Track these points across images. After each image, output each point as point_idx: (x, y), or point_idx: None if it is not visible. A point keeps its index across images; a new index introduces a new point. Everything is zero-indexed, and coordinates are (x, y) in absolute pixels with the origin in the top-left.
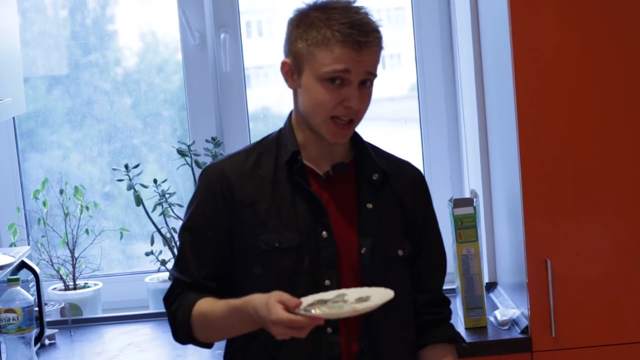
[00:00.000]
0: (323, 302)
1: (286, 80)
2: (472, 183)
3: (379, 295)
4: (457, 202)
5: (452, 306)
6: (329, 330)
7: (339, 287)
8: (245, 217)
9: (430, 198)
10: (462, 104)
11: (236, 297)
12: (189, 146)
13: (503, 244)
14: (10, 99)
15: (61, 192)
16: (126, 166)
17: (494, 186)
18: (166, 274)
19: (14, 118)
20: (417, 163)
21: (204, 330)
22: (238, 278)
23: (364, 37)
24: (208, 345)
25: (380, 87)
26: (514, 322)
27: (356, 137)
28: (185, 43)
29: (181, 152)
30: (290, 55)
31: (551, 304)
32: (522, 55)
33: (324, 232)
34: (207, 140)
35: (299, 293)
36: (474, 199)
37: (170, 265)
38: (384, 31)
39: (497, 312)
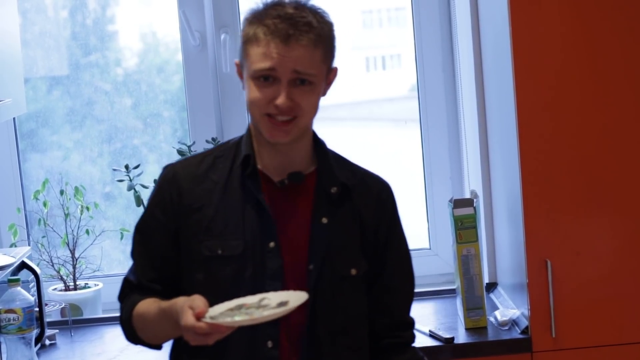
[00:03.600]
0: (242, 307)
1: (241, 81)
2: (472, 183)
3: (295, 300)
4: (457, 203)
5: (452, 306)
6: (270, 344)
7: None
8: (191, 222)
9: (397, 215)
10: (462, 104)
11: None
12: (189, 147)
13: (503, 245)
14: (10, 100)
15: (61, 192)
16: (126, 167)
17: (494, 186)
18: None
19: (14, 118)
20: (417, 163)
21: (145, 332)
22: (183, 283)
23: (293, 30)
24: (156, 346)
25: (380, 87)
26: (514, 323)
27: (320, 147)
28: (186, 43)
29: (181, 153)
30: (239, 54)
31: (551, 305)
32: (522, 56)
33: (272, 243)
34: (207, 141)
35: None
36: (474, 200)
37: None
38: (384, 31)
39: (497, 313)
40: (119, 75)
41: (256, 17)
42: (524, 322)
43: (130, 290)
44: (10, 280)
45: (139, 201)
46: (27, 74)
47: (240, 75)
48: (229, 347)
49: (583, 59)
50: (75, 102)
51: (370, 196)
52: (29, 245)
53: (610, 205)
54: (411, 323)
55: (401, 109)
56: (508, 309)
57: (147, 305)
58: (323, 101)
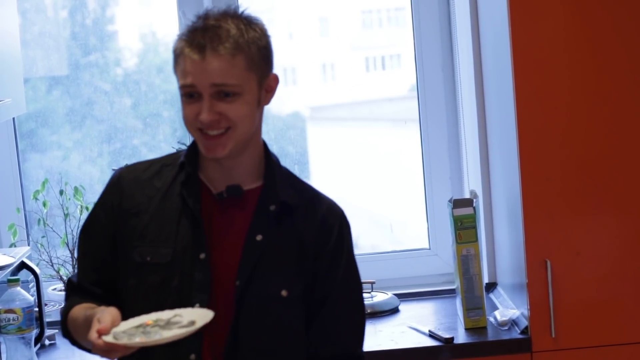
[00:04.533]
0: (148, 325)
1: None
2: (471, 183)
3: (202, 319)
4: (457, 203)
5: (451, 306)
6: (192, 357)
7: None
8: (128, 227)
9: (345, 244)
10: (461, 104)
11: (122, 307)
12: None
13: (503, 245)
14: (10, 100)
15: (61, 192)
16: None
17: (493, 186)
18: None
19: (14, 118)
20: (417, 163)
21: (77, 336)
22: (120, 288)
23: (209, 41)
24: (90, 350)
25: (380, 87)
26: (513, 323)
27: (270, 164)
28: None
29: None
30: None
31: (551, 305)
32: (521, 56)
33: (202, 254)
34: None
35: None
36: (474, 200)
37: None
38: (384, 32)
39: (496, 313)
40: (119, 75)
41: (183, 32)
42: (524, 322)
43: (72, 292)
44: (9, 280)
45: None
46: (26, 74)
47: None
48: (152, 357)
49: (583, 59)
50: (74, 102)
51: (315, 219)
52: (28, 245)
53: (610, 205)
54: (359, 356)
55: (401, 109)
56: (508, 309)
57: (79, 311)
58: (323, 101)
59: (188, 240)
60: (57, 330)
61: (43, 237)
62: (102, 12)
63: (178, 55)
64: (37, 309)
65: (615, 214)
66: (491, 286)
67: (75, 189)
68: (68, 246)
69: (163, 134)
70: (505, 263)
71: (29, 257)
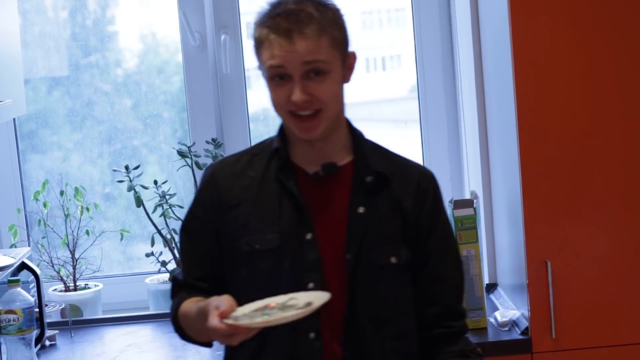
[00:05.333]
0: (266, 308)
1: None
2: (472, 184)
3: (319, 300)
4: (457, 204)
5: None
6: (312, 335)
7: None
8: (230, 219)
9: (440, 202)
10: (462, 105)
11: (235, 299)
12: (189, 147)
13: (503, 245)
14: (10, 100)
15: (61, 193)
16: (126, 167)
17: (494, 187)
18: (167, 275)
19: (14, 119)
20: None
21: (190, 331)
22: (229, 280)
23: (294, 24)
24: (207, 344)
25: (380, 88)
26: (514, 323)
27: (357, 138)
28: (186, 44)
29: (181, 154)
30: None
31: (551, 305)
32: (522, 57)
33: (308, 235)
34: (207, 142)
35: (280, 295)
36: (474, 200)
37: (170, 266)
38: (384, 32)
39: (497, 313)
40: (119, 76)
41: (261, 19)
42: (524, 323)
43: (179, 289)
44: (10, 281)
45: (139, 202)
46: (27, 74)
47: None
48: (271, 339)
49: (583, 59)
50: (75, 102)
51: (410, 184)
52: (29, 246)
53: (611, 206)
54: (462, 312)
55: (401, 110)
56: (508, 309)
57: (189, 305)
58: None
59: (293, 222)
60: (57, 331)
61: (43, 237)
62: (102, 12)
63: (262, 41)
64: (37, 310)
65: (616, 215)
66: (491, 287)
67: (76, 189)
68: (68, 247)
69: (163, 135)
70: (506, 264)
71: (30, 258)
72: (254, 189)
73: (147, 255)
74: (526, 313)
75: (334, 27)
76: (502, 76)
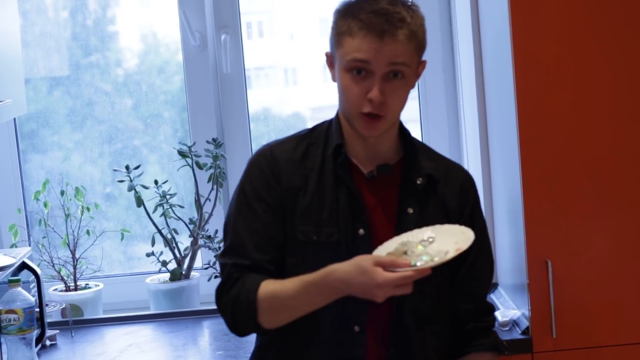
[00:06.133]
0: (399, 254)
1: (330, 73)
2: None
3: (444, 232)
4: None
5: None
6: (357, 328)
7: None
8: (287, 206)
9: (479, 204)
10: (462, 104)
11: None
12: (189, 147)
13: (504, 245)
14: (11, 100)
15: (62, 193)
16: (127, 167)
17: (494, 187)
18: (167, 275)
19: (15, 119)
20: None
21: (272, 311)
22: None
23: (388, 25)
24: (269, 331)
25: None
26: (514, 323)
27: (406, 137)
28: (186, 44)
29: (182, 153)
30: (330, 46)
31: (552, 305)
32: (522, 56)
33: (361, 230)
34: (207, 142)
35: None
36: None
37: (171, 266)
38: None
39: (497, 313)
40: (120, 76)
41: (350, 11)
42: (525, 323)
43: (241, 274)
44: (10, 281)
45: (139, 202)
46: (27, 74)
47: (331, 66)
48: (318, 331)
49: (583, 59)
50: (75, 102)
51: (454, 186)
52: (29, 245)
53: (611, 205)
54: (492, 308)
55: None
56: (509, 309)
57: (279, 284)
58: (323, 102)
59: (348, 217)
60: (57, 331)
61: (44, 237)
62: (102, 12)
63: (350, 33)
64: (38, 310)
65: (617, 214)
66: (492, 287)
67: (76, 189)
68: (69, 246)
69: (164, 135)
70: (506, 263)
71: (30, 258)
72: (312, 181)
73: (148, 255)
74: (527, 313)
75: (420, 35)
76: (502, 76)
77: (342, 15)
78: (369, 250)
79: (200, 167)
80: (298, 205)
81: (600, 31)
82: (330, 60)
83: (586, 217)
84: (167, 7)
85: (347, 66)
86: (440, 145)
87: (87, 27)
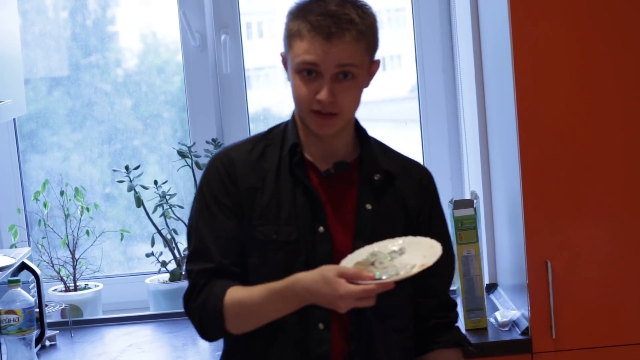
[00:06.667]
0: (367, 264)
1: (285, 72)
2: (472, 184)
3: (414, 244)
4: (458, 204)
5: None
6: (321, 326)
7: None
8: (246, 207)
9: (438, 200)
10: (462, 105)
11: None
12: (189, 147)
13: (503, 246)
14: (10, 100)
15: (62, 193)
16: (127, 167)
17: (494, 187)
18: (167, 276)
19: (14, 119)
20: None
21: (239, 318)
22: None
23: (335, 28)
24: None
25: (380, 88)
26: (514, 324)
27: (362, 135)
28: (186, 44)
29: (182, 154)
30: (283, 46)
31: (551, 306)
32: (522, 56)
33: (321, 227)
34: (207, 142)
35: None
36: (474, 200)
37: (170, 266)
38: (384, 32)
39: (497, 314)
40: (119, 76)
41: (300, 12)
42: (524, 323)
43: (208, 280)
44: (10, 281)
45: (139, 202)
46: (27, 74)
47: (285, 65)
48: (284, 330)
49: (584, 60)
50: (75, 102)
51: (412, 182)
52: (29, 246)
53: (611, 206)
54: (454, 304)
55: (401, 110)
56: (508, 310)
57: (245, 291)
58: None
59: (307, 215)
60: (57, 331)
61: (44, 237)
62: (102, 12)
63: (299, 34)
64: (37, 310)
65: (616, 215)
66: (492, 287)
67: (76, 189)
68: (68, 247)
69: (164, 135)
70: (506, 264)
71: (30, 258)
72: (269, 180)
73: (147, 255)
74: (526, 313)
75: (369, 34)
76: (502, 76)
77: (293, 17)
78: (329, 246)
79: (200, 167)
80: (256, 205)
81: (600, 31)
82: (284, 60)
83: (586, 218)
84: (167, 7)
85: (297, 68)
86: (440, 146)
87: (86, 27)
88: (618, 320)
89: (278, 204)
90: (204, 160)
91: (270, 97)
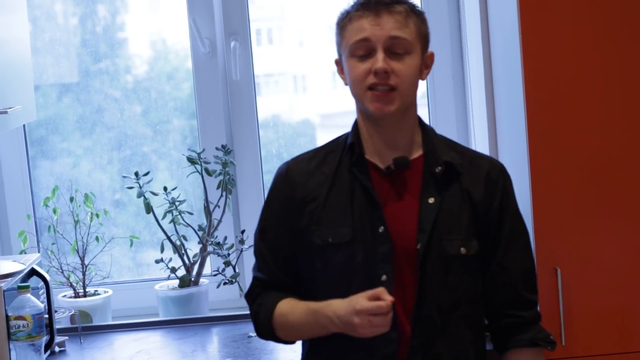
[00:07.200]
0: None
1: (342, 80)
2: None
3: None
4: None
5: None
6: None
7: (394, 283)
8: (304, 215)
9: (510, 195)
10: (472, 111)
11: (307, 292)
12: (199, 154)
13: None
14: (20, 107)
15: (71, 199)
16: (136, 174)
17: None
18: (176, 282)
19: (24, 125)
20: None
21: (285, 330)
22: (303, 274)
23: (383, 4)
24: (291, 342)
25: None
26: None
27: (427, 133)
28: (196, 51)
29: (191, 160)
30: (337, 50)
31: (561, 313)
32: (532, 63)
33: (381, 227)
34: (217, 148)
35: (354, 288)
36: None
37: (180, 273)
38: None
39: None
40: (129, 83)
41: (346, 9)
42: None
43: (262, 289)
44: (20, 287)
45: (148, 208)
46: (37, 81)
47: (341, 72)
48: (353, 343)
49: (593, 66)
50: (85, 109)
51: (479, 176)
52: (38, 252)
53: (621, 213)
54: (531, 301)
55: None
56: None
57: (291, 306)
58: (333, 108)
59: (365, 216)
60: (66, 337)
61: (53, 244)
62: (112, 19)
63: (345, 24)
64: (47, 316)
65: (626, 222)
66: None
67: (86, 195)
68: (78, 253)
69: (173, 141)
70: None
71: (39, 264)
72: (327, 185)
73: (157, 261)
74: None
75: (420, 17)
76: (511, 82)
77: (341, 15)
78: (389, 246)
79: (209, 173)
80: (315, 211)
81: (611, 38)
82: (340, 66)
83: (595, 225)
84: (177, 14)
85: (351, 52)
86: None
87: (96, 33)
88: (628, 327)
89: (334, 206)
90: (214, 167)
91: (280, 104)
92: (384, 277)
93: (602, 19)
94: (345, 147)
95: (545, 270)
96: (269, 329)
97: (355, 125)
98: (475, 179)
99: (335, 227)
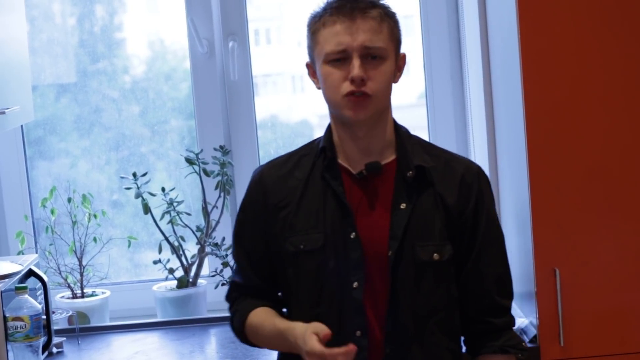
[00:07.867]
0: None
1: (314, 83)
2: None
3: None
4: None
5: None
6: (358, 333)
7: (366, 290)
8: (277, 221)
9: (485, 198)
10: (470, 112)
11: (285, 296)
12: (197, 154)
13: (512, 253)
14: (18, 107)
15: (69, 200)
16: (134, 174)
17: (502, 195)
18: (174, 283)
19: (22, 126)
20: None
21: (256, 341)
22: (278, 279)
23: (357, 9)
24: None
25: None
26: (522, 331)
27: (401, 136)
28: (194, 51)
29: (189, 161)
30: (309, 54)
31: (560, 313)
32: (530, 64)
33: (352, 233)
34: (215, 149)
35: (326, 295)
36: None
37: (178, 273)
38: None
39: None
40: (127, 83)
41: (318, 12)
42: (533, 331)
43: (239, 292)
44: (17, 288)
45: (146, 209)
46: (35, 81)
47: (313, 75)
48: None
49: (592, 67)
50: (82, 109)
51: (454, 180)
52: (36, 252)
53: (620, 213)
54: (504, 307)
55: (409, 117)
56: (516, 317)
57: (261, 320)
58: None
59: (336, 222)
60: (64, 338)
61: (51, 244)
62: (110, 19)
63: (318, 29)
64: (44, 317)
65: (625, 222)
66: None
67: (83, 196)
68: (76, 254)
69: (171, 142)
70: (514, 271)
71: (37, 265)
72: (299, 190)
73: (155, 262)
74: (534, 321)
75: (392, 20)
76: (510, 83)
77: (313, 18)
78: (360, 253)
79: (207, 174)
80: (288, 217)
81: (610, 38)
82: (312, 69)
83: (594, 225)
84: (175, 14)
85: (325, 58)
86: None
87: (94, 34)
88: (627, 328)
89: (306, 213)
90: (212, 167)
91: (278, 104)
92: (355, 284)
93: (601, 20)
94: (318, 150)
95: (544, 271)
96: (243, 337)
97: (329, 129)
98: (449, 182)
99: (307, 233)
